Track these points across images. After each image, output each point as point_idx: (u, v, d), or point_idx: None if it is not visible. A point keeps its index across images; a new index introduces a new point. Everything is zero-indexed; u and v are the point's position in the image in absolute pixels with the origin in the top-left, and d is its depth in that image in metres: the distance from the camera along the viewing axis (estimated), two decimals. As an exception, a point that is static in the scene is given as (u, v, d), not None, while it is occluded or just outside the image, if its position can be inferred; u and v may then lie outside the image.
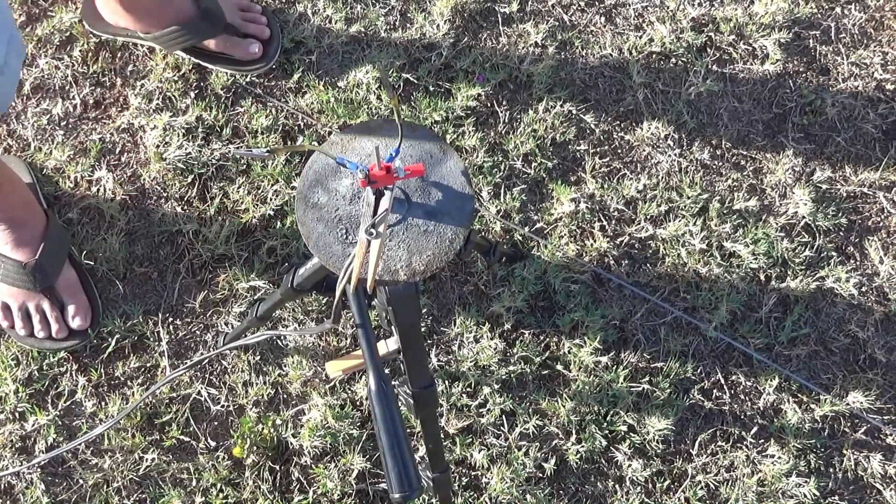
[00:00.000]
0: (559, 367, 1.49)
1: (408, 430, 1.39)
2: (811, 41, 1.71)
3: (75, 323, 1.47)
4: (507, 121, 1.63)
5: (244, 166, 1.58)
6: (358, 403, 1.47)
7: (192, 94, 1.62)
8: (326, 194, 0.91)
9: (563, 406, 1.47)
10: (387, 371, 1.43)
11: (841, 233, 1.59)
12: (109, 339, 1.49)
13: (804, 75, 1.68)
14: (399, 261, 0.88)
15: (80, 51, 1.65)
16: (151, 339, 1.51)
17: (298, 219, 0.90)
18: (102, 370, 1.49)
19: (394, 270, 0.88)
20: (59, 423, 1.46)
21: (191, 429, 1.46)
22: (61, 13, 1.66)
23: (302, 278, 1.11)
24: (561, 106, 1.63)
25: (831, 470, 1.47)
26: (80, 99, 1.63)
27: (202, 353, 1.50)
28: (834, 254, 1.57)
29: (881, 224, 1.60)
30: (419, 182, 0.91)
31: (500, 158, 1.60)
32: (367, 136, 0.93)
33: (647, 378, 1.49)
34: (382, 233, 0.83)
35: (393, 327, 1.03)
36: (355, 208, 0.90)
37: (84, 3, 1.66)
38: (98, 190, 1.57)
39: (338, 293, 0.88)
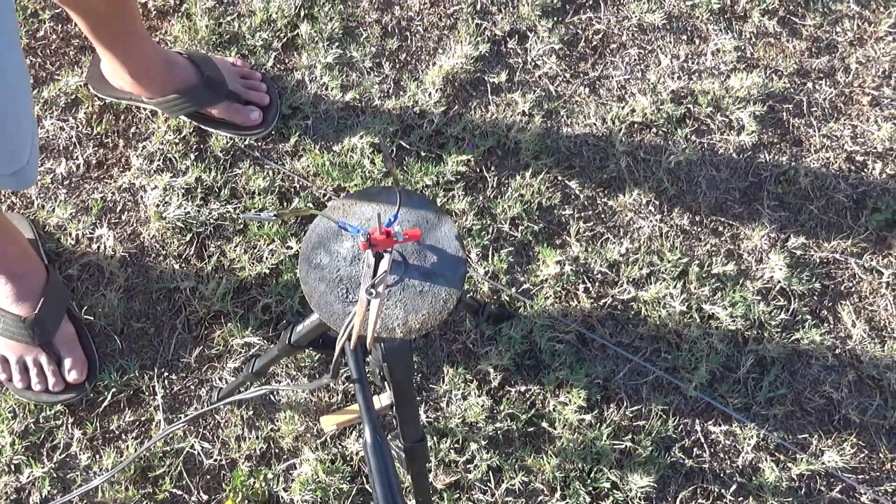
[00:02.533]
0: (544, 424, 1.54)
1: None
2: (785, 114, 1.79)
3: (72, 377, 1.51)
4: (495, 185, 1.70)
5: (241, 226, 1.64)
6: (348, 458, 1.50)
7: (192, 156, 1.68)
8: (328, 256, 0.96)
9: (549, 463, 1.51)
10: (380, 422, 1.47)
11: (815, 297, 1.66)
12: (105, 393, 1.53)
13: (778, 146, 1.76)
14: (396, 319, 0.93)
15: (84, 113, 1.71)
16: (147, 394, 1.54)
17: (301, 279, 0.95)
18: (98, 423, 1.52)
19: (391, 328, 0.93)
20: (54, 475, 1.48)
21: (184, 482, 1.49)
22: (67, 77, 1.73)
23: (299, 335, 1.16)
24: (547, 172, 1.70)
25: (808, 528, 1.51)
26: (83, 159, 1.68)
27: (196, 408, 1.53)
28: (808, 317, 1.63)
29: (853, 289, 1.67)
30: (416, 245, 0.96)
31: (489, 221, 1.66)
32: (367, 202, 0.99)
33: (629, 436, 1.53)
34: (381, 293, 0.89)
35: (386, 383, 1.08)
36: (355, 269, 0.95)
37: (90, 68, 1.72)
38: (98, 247, 1.62)
39: (337, 349, 0.92)
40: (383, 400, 1.16)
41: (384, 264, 0.90)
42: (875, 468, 1.56)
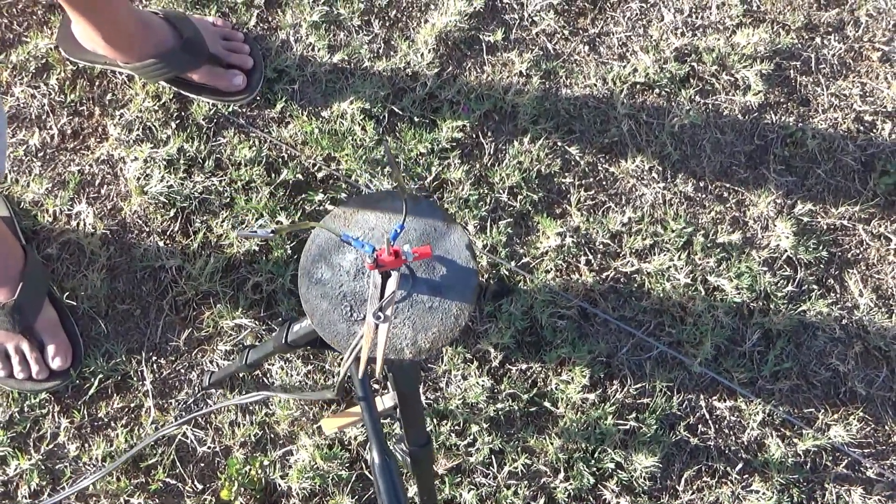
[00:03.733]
0: (547, 403, 1.50)
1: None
2: (792, 72, 1.72)
3: (56, 364, 1.45)
4: (492, 152, 1.62)
5: (227, 199, 1.56)
6: (346, 443, 1.46)
7: (173, 125, 1.59)
8: (330, 270, 0.90)
9: (551, 444, 1.47)
10: (384, 429, 1.43)
11: (822, 266, 1.61)
12: (92, 380, 1.47)
13: (785, 106, 1.70)
14: (404, 339, 0.88)
15: (56, 79, 1.61)
16: (135, 379, 1.49)
17: (302, 295, 0.89)
18: (85, 411, 1.47)
19: (399, 349, 0.87)
20: (42, 467, 1.43)
21: (177, 471, 1.45)
22: (37, 39, 1.62)
23: (297, 335, 1.10)
24: (546, 138, 1.63)
25: (814, 504, 1.50)
26: (57, 129, 1.59)
27: (188, 393, 1.48)
28: (815, 287, 1.59)
29: (860, 256, 1.63)
30: (424, 256, 0.90)
31: (486, 191, 1.59)
32: (370, 208, 0.92)
33: (633, 414, 1.50)
34: (390, 316, 0.83)
35: (390, 386, 1.03)
36: (359, 284, 0.89)
37: (60, 29, 1.62)
38: (78, 224, 1.54)
39: (342, 372, 0.87)
40: (386, 401, 1.12)
41: (392, 284, 0.84)
42: (881, 441, 1.54)
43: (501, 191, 1.60)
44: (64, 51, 1.61)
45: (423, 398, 1.48)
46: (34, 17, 1.65)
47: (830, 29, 1.76)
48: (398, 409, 1.07)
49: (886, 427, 1.54)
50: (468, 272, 0.90)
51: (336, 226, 0.91)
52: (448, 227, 0.92)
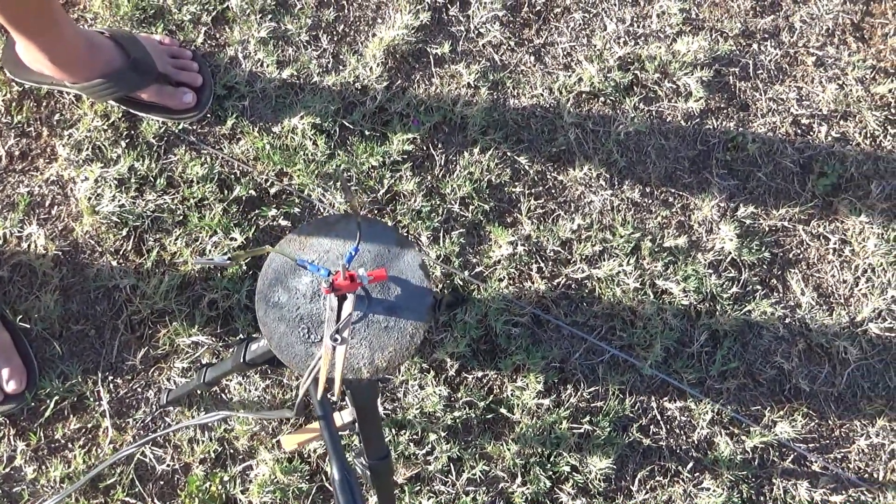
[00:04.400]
0: (503, 410, 1.53)
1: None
2: (731, 78, 1.77)
3: (10, 387, 1.44)
4: (443, 164, 1.65)
5: (180, 217, 1.56)
6: (306, 456, 1.47)
7: (123, 144, 1.59)
8: (287, 293, 0.91)
9: (509, 449, 1.50)
10: (343, 441, 1.45)
11: (765, 266, 1.66)
12: (48, 401, 1.47)
13: (725, 111, 1.75)
14: (362, 358, 0.90)
15: (2, 100, 1.60)
16: (91, 399, 1.48)
17: (260, 319, 0.91)
18: (42, 433, 1.46)
19: (357, 368, 0.89)
20: (-1, 491, 1.43)
21: (136, 490, 1.45)
22: (-20, 60, 1.61)
23: (255, 354, 1.12)
24: (496, 148, 1.66)
25: (762, 499, 1.54)
26: (4, 151, 1.58)
27: (146, 412, 1.48)
28: (759, 287, 1.64)
29: (801, 256, 1.68)
30: (378, 277, 0.92)
31: (438, 202, 1.62)
32: (325, 233, 0.94)
33: (587, 418, 1.54)
34: (347, 338, 0.85)
35: (348, 401, 1.05)
36: (316, 306, 0.91)
37: (4, 50, 1.60)
38: (29, 246, 1.53)
39: (301, 393, 0.88)
40: (345, 416, 1.13)
41: (348, 306, 0.86)
42: (825, 436, 1.59)
43: (453, 201, 1.62)
44: (9, 72, 1.59)
45: (381, 409, 1.50)
46: (-22, 37, 1.64)
47: (766, 35, 1.81)
48: (357, 424, 1.09)
49: (829, 422, 1.60)
50: (423, 291, 0.93)
51: (291, 250, 0.93)
52: (402, 249, 0.94)
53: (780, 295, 1.65)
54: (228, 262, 0.83)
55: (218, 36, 1.68)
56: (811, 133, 1.76)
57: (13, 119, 1.59)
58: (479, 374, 1.54)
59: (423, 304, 0.92)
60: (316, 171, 1.59)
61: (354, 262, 0.91)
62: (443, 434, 1.50)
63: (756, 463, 1.56)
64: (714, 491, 1.52)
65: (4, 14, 1.36)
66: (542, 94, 1.71)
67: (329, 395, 1.00)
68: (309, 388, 0.90)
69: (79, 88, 1.56)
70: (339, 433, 1.34)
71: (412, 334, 0.91)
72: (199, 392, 1.47)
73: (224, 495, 1.45)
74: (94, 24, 1.65)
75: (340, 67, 1.69)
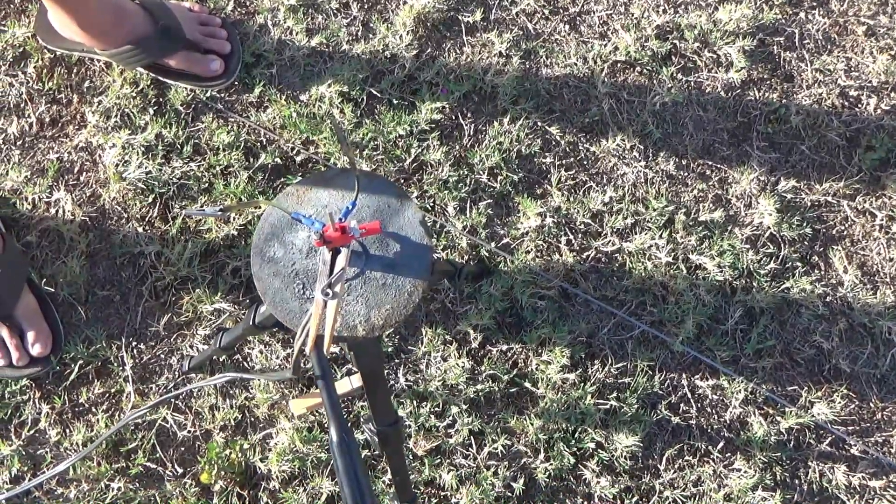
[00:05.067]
0: (527, 384, 1.49)
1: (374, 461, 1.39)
2: (775, 48, 1.70)
3: (36, 350, 1.45)
4: (472, 133, 1.61)
5: (206, 185, 1.56)
6: (325, 426, 1.46)
7: (151, 111, 1.59)
8: (283, 248, 0.89)
9: (532, 424, 1.47)
10: (357, 404, 1.43)
11: (805, 242, 1.60)
12: (72, 366, 1.48)
13: (768, 83, 1.68)
14: (357, 316, 0.87)
15: (34, 67, 1.61)
16: (115, 364, 1.49)
17: (254, 274, 0.89)
18: (66, 397, 1.47)
19: (352, 326, 0.87)
20: (23, 452, 1.44)
21: (157, 455, 1.45)
22: (14, 28, 1.62)
23: (263, 317, 1.10)
24: (526, 118, 1.62)
25: (797, 482, 1.48)
26: (35, 117, 1.59)
27: (168, 378, 1.48)
28: (799, 264, 1.58)
29: (845, 233, 1.61)
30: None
31: (466, 172, 1.59)
32: (324, 186, 0.91)
33: (614, 394, 1.49)
34: (339, 293, 0.82)
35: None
36: (312, 262, 0.89)
37: (37, 18, 1.62)
38: (57, 211, 1.54)
39: (295, 350, 0.86)
40: (354, 382, 1.11)
41: (341, 260, 0.84)
42: (865, 419, 1.52)
43: (481, 172, 1.59)
44: (41, 39, 1.61)
45: (402, 380, 1.48)
46: (11, 5, 1.65)
47: (815, 3, 1.74)
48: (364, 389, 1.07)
49: (871, 404, 1.53)
50: (422, 248, 0.90)
51: (288, 204, 0.91)
52: (402, 204, 0.91)
53: (822, 272, 1.59)
54: (220, 213, 0.81)
55: (247, 3, 1.67)
56: (859, 105, 1.68)
57: (44, 86, 1.60)
58: (504, 347, 1.51)
59: (423, 261, 0.89)
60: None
61: (352, 217, 0.88)
62: (465, 407, 1.47)
63: (791, 445, 1.50)
64: (745, 472, 1.47)
65: None
66: (575, 64, 1.67)
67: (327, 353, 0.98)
68: (303, 347, 0.88)
69: (108, 55, 1.56)
70: (349, 398, 1.32)
71: (410, 292, 0.88)
72: (219, 358, 1.47)
73: (243, 462, 1.44)
74: (125, -8, 1.65)
75: (370, 36, 1.66)
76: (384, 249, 0.89)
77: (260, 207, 1.52)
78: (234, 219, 1.53)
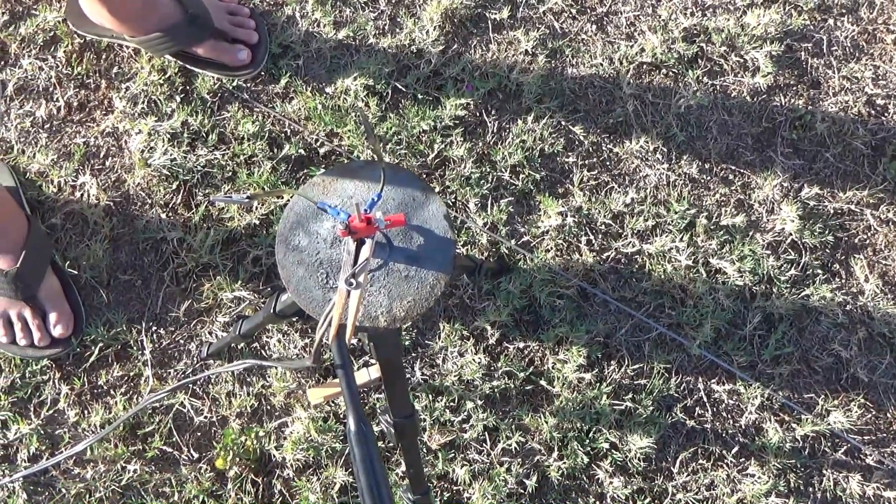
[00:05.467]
0: (543, 382, 1.50)
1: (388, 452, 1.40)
2: (803, 54, 1.70)
3: (57, 331, 1.47)
4: (495, 131, 1.62)
5: (230, 173, 1.57)
6: (341, 416, 1.47)
7: (178, 98, 1.60)
8: (307, 237, 0.90)
9: (546, 422, 1.47)
10: (373, 396, 1.44)
11: (827, 250, 1.59)
12: (93, 348, 1.49)
13: (795, 89, 1.67)
14: (380, 307, 0.88)
15: (64, 51, 1.62)
16: (135, 348, 1.50)
17: (279, 262, 0.89)
18: (85, 378, 1.48)
19: (374, 317, 0.88)
20: (42, 432, 1.46)
21: (173, 440, 1.46)
22: (45, 12, 1.64)
23: (284, 305, 1.11)
24: (550, 117, 1.62)
25: (810, 490, 1.48)
26: (64, 101, 1.61)
27: (186, 363, 1.49)
28: (819, 272, 1.57)
29: (867, 242, 1.60)
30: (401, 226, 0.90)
31: (488, 169, 1.59)
32: (350, 178, 0.92)
33: (630, 395, 1.49)
34: (362, 283, 0.83)
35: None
36: (336, 252, 0.89)
37: (68, 3, 1.63)
38: (82, 195, 1.56)
39: (317, 339, 0.87)
40: (372, 373, 1.12)
41: (365, 251, 0.84)
42: (882, 429, 1.52)
43: (503, 169, 1.59)
44: (72, 24, 1.62)
45: (419, 374, 1.48)
46: (44, -11, 1.67)
47: (844, 10, 1.73)
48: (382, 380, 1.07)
49: (888, 414, 1.52)
50: (446, 242, 0.90)
51: (314, 194, 0.91)
52: (426, 197, 0.92)
53: (843, 280, 1.58)
54: (247, 200, 0.82)
55: (276, -5, 1.68)
56: (886, 114, 1.67)
57: (73, 70, 1.62)
58: (521, 344, 1.51)
59: (445, 255, 0.90)
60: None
61: (377, 209, 0.89)
62: (480, 403, 1.48)
63: (806, 452, 1.49)
64: (759, 478, 1.46)
65: None
66: (601, 64, 1.67)
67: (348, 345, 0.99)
68: (324, 335, 0.89)
69: (137, 42, 1.57)
70: (367, 389, 1.33)
71: (433, 285, 0.89)
72: (237, 346, 1.48)
73: (258, 450, 1.45)
74: (156, -20, 1.67)
75: (397, 30, 1.67)
76: (408, 242, 0.90)
77: (285, 196, 1.53)
78: (256, 208, 1.54)
